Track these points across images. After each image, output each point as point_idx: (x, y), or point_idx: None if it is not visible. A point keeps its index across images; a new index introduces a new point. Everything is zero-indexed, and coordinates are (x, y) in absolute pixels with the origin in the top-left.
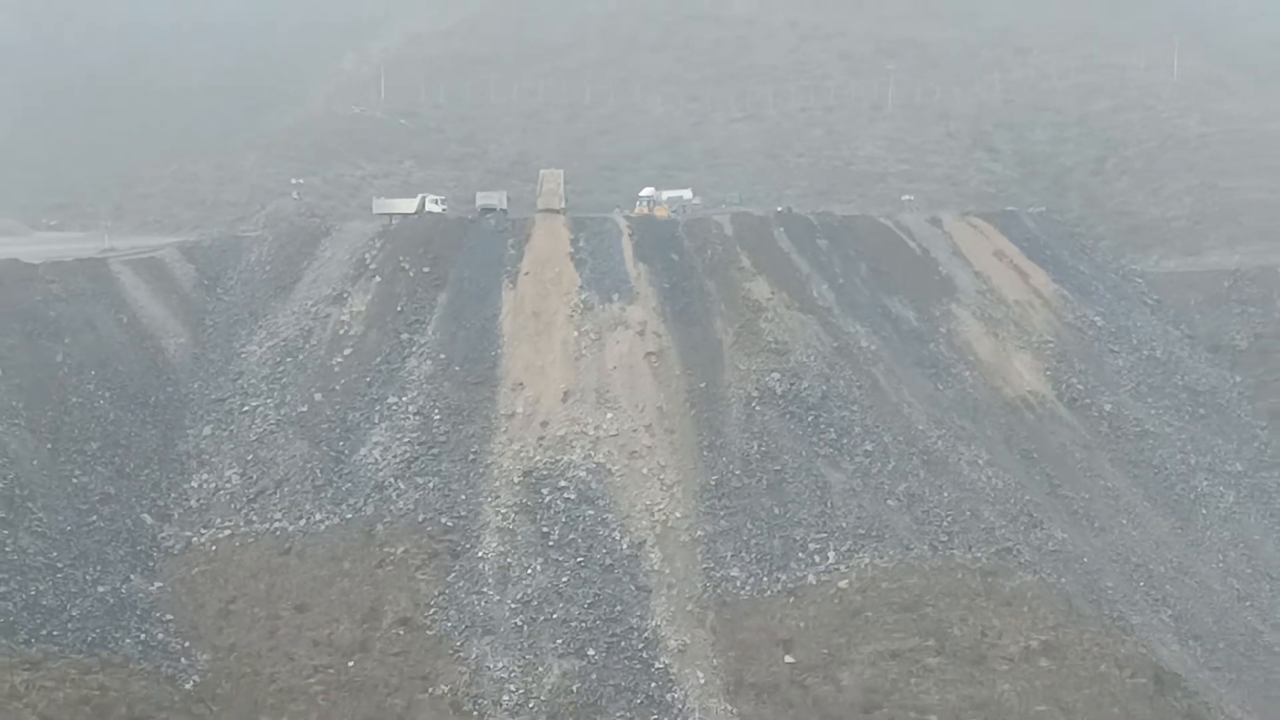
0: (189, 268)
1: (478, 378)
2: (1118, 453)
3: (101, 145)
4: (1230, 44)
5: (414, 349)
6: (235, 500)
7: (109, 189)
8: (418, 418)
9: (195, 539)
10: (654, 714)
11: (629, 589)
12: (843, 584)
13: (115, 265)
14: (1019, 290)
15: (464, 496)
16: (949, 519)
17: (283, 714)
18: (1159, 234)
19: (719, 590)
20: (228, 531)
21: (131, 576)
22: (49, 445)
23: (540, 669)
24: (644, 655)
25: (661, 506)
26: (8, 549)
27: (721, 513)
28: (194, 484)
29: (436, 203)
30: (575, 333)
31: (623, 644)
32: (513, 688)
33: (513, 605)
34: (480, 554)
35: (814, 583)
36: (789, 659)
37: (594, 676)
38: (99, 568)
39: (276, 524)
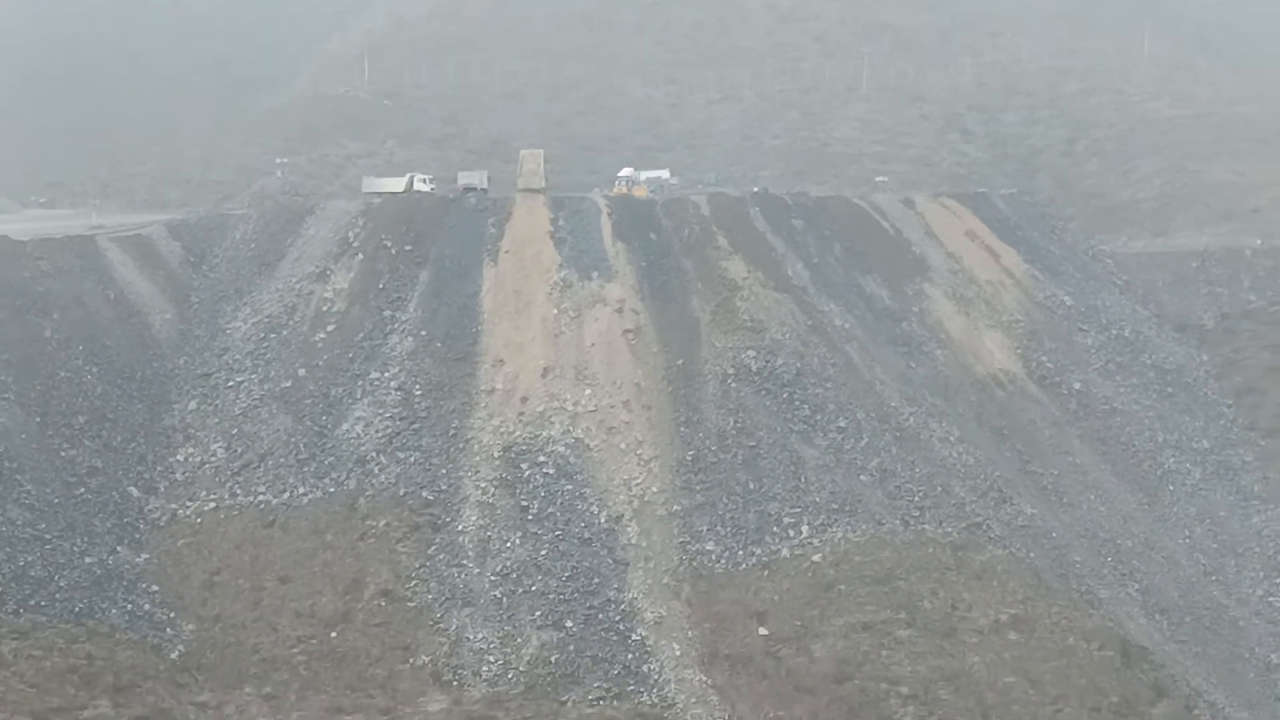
0: (175, 245)
1: (458, 354)
2: (1086, 430)
3: (90, 125)
4: (1200, 29)
5: (396, 326)
6: (220, 474)
7: (97, 168)
8: (399, 393)
9: (181, 511)
10: (630, 685)
11: (607, 562)
12: (816, 558)
13: (103, 242)
14: (990, 270)
15: (444, 471)
16: (920, 494)
17: (266, 683)
18: (1128, 215)
19: (695, 564)
20: (213, 504)
21: (118, 548)
22: (37, 419)
23: (519, 640)
24: (621, 627)
25: (639, 481)
26: None
27: (698, 487)
28: (180, 457)
29: (425, 182)
30: (555, 310)
31: (600, 616)
32: (492, 658)
33: (492, 578)
34: (460, 527)
35: (788, 556)
36: (763, 631)
37: (572, 648)
38: (86, 539)
39: (260, 497)
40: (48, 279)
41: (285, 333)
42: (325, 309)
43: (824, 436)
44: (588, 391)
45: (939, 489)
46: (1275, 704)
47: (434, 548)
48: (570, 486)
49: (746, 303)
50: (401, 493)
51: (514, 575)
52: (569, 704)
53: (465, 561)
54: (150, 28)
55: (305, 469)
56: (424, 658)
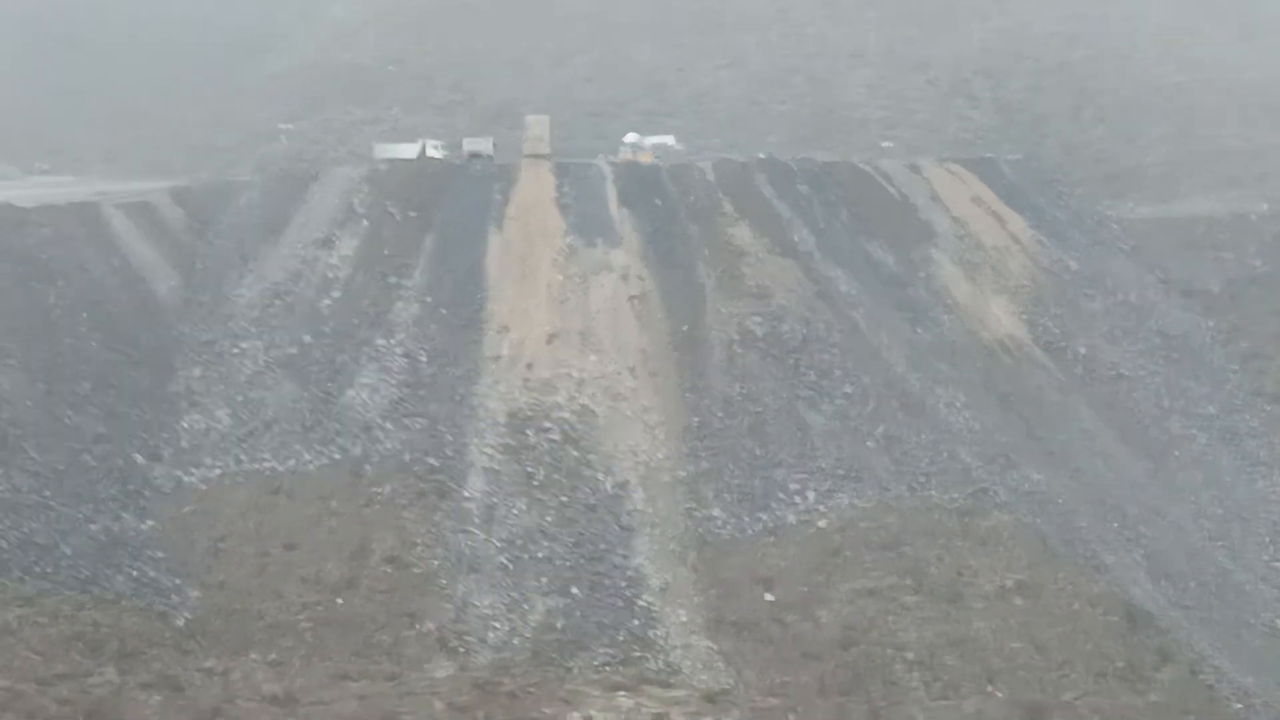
0: (180, 212)
1: (464, 320)
2: (1093, 396)
3: (94, 91)
4: None
5: (401, 292)
6: (225, 440)
7: (101, 134)
8: (405, 360)
9: (186, 478)
10: (636, 651)
11: (612, 528)
12: (822, 524)
13: (107, 209)
14: (996, 236)
15: (450, 437)
16: (927, 460)
17: (272, 650)
18: (1134, 181)
19: (701, 530)
20: (218, 471)
21: (123, 515)
22: (42, 386)
23: (525, 606)
24: (627, 593)
25: (645, 448)
26: (1, 488)
27: (703, 454)
28: (185, 424)
29: (437, 148)
30: (560, 276)
31: (606, 582)
32: (498, 625)
33: (498, 544)
34: (466, 494)
35: (794, 522)
36: (769, 597)
37: (578, 614)
38: (91, 506)
39: (266, 464)
40: (51, 246)
41: (290, 299)
42: (330, 275)
43: (830, 403)
44: (593, 358)
45: (945, 455)
46: None
47: (440, 514)
48: (576, 453)
49: (752, 269)
50: (407, 459)
51: (520, 541)
52: (575, 670)
53: (471, 528)
54: None
55: (311, 435)
56: (430, 624)
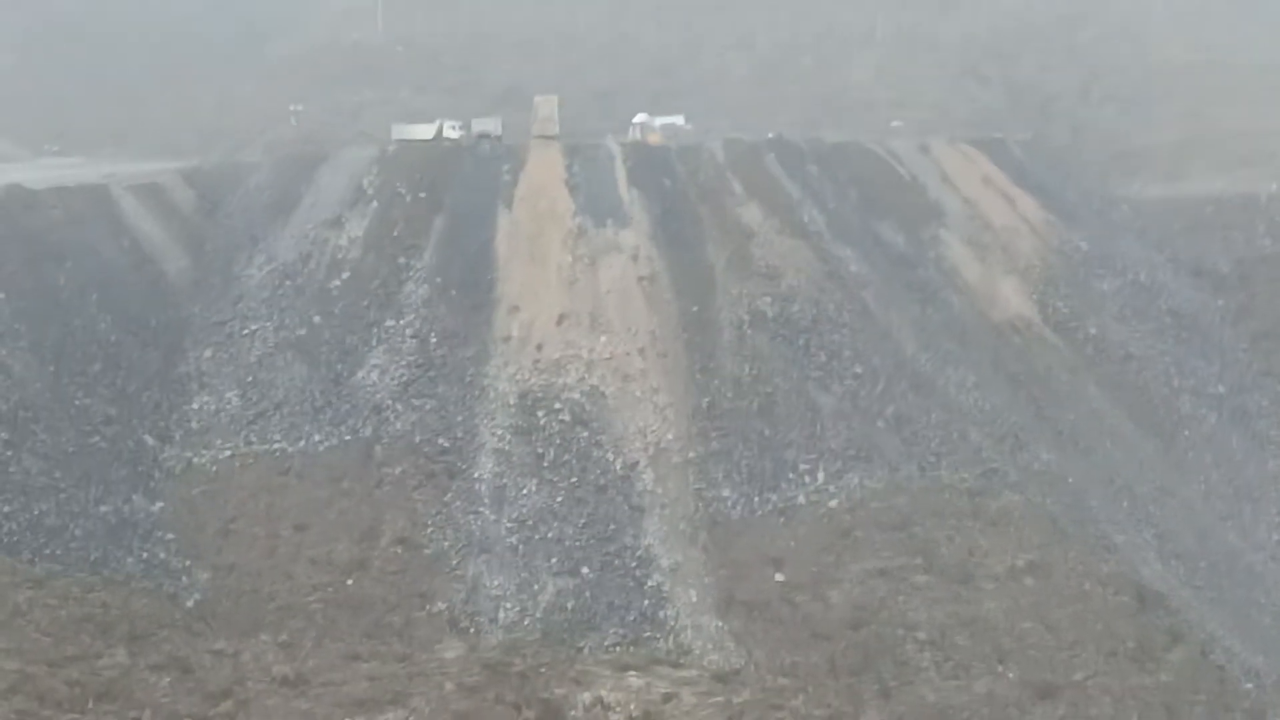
0: (189, 193)
1: (474, 301)
2: (1103, 376)
3: (103, 73)
4: None
5: (411, 273)
6: (235, 422)
7: (111, 116)
8: (415, 341)
9: (196, 460)
10: (647, 631)
11: (622, 509)
12: (832, 504)
13: (116, 190)
14: (1006, 216)
15: (460, 418)
16: (937, 440)
17: (282, 631)
18: (1144, 161)
19: (711, 510)
20: (228, 452)
21: (133, 496)
22: (52, 368)
23: (535, 587)
24: (637, 574)
25: (654, 428)
26: (11, 470)
27: (713, 434)
28: (195, 406)
29: (454, 129)
30: (569, 257)
31: (616, 563)
32: (508, 605)
33: (508, 525)
34: (476, 475)
35: (804, 503)
36: (779, 577)
37: (588, 594)
38: (101, 488)
39: (276, 445)
40: (61, 227)
41: (300, 280)
42: (340, 256)
43: (840, 383)
44: (603, 339)
45: (955, 435)
46: None
47: (450, 495)
48: (586, 434)
49: (762, 249)
50: (417, 440)
51: (530, 522)
52: (585, 650)
53: (481, 509)
54: None
55: (321, 417)
56: (440, 605)
